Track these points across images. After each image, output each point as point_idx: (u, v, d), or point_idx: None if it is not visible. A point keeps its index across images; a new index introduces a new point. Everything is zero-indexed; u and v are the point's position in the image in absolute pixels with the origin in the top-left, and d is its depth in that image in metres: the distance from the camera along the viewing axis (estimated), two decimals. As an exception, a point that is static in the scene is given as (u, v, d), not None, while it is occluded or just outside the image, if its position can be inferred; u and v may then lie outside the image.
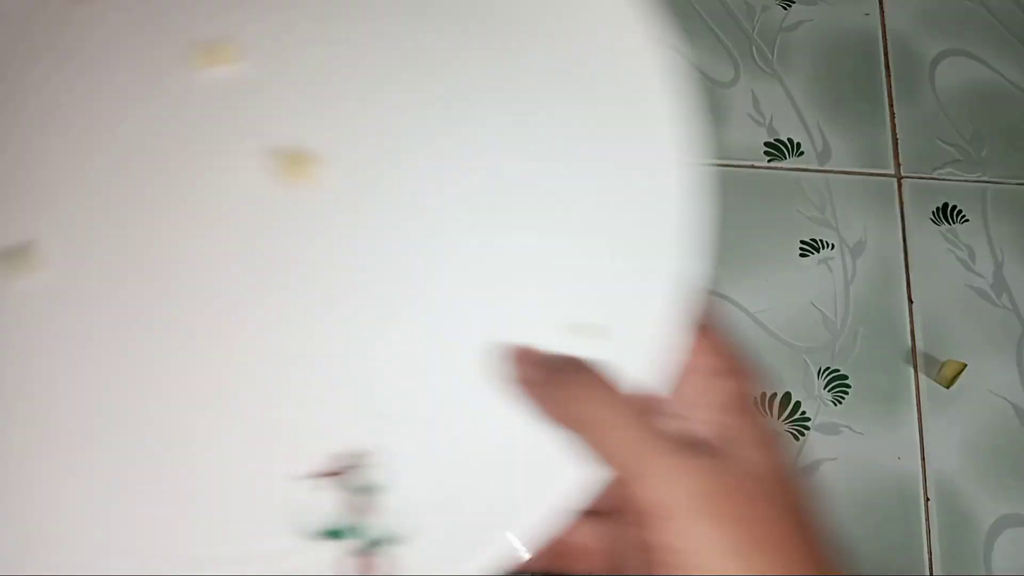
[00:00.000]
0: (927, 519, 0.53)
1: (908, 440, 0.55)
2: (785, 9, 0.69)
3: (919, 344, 0.58)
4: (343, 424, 0.26)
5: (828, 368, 0.57)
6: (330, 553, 0.24)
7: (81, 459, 0.25)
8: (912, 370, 0.57)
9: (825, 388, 0.57)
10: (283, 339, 0.27)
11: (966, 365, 0.56)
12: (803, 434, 0.56)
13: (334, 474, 0.25)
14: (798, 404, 0.57)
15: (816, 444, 0.55)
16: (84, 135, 0.28)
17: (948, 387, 0.56)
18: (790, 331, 0.59)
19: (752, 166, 0.64)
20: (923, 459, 0.55)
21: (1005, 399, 0.56)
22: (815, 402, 0.57)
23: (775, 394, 0.57)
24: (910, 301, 0.59)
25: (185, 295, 0.27)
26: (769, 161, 0.64)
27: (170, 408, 0.26)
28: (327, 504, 0.25)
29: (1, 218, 0.27)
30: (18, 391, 0.26)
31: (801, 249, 0.61)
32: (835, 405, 0.56)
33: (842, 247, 0.61)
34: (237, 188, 0.28)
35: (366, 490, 0.25)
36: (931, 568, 0.52)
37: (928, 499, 0.54)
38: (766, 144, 0.64)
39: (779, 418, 0.56)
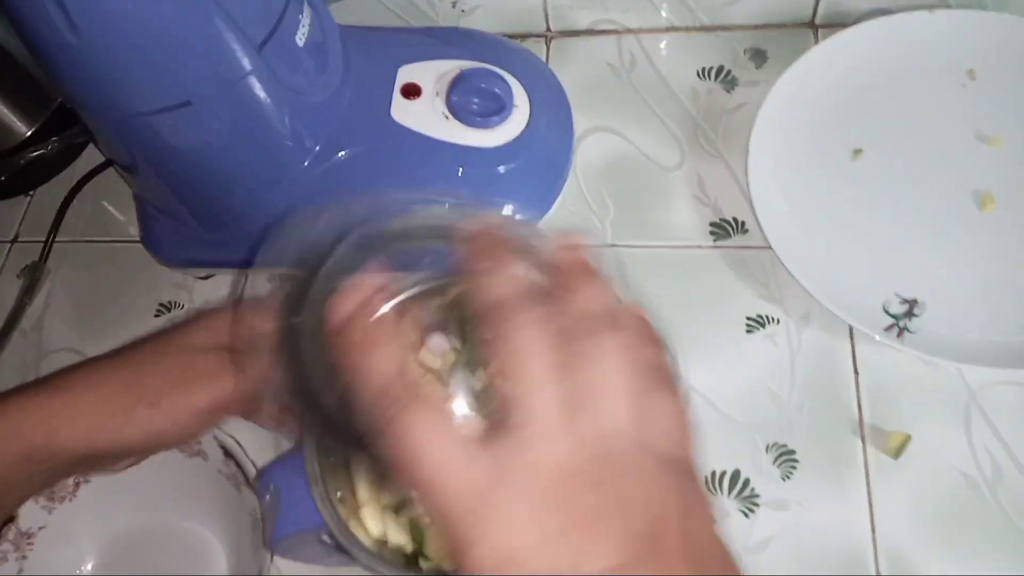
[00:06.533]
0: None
1: (857, 511, 0.56)
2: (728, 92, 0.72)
3: (866, 416, 0.58)
4: None
5: (776, 443, 0.59)
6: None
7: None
8: (860, 442, 0.58)
9: (774, 463, 0.58)
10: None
11: (910, 436, 0.57)
12: (752, 511, 0.57)
13: None
14: (747, 481, 0.58)
15: (766, 520, 0.56)
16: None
17: (896, 458, 0.57)
18: (738, 407, 0.60)
19: (699, 246, 0.66)
20: (872, 530, 0.55)
21: (954, 467, 0.56)
22: (764, 478, 0.58)
23: (724, 472, 0.58)
24: (856, 372, 0.60)
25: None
26: (715, 240, 0.66)
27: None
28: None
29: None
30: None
31: (747, 325, 0.63)
32: (784, 480, 0.57)
33: (787, 321, 0.63)
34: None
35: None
36: (882, 642, 0.52)
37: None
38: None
39: (728, 495, 0.57)
